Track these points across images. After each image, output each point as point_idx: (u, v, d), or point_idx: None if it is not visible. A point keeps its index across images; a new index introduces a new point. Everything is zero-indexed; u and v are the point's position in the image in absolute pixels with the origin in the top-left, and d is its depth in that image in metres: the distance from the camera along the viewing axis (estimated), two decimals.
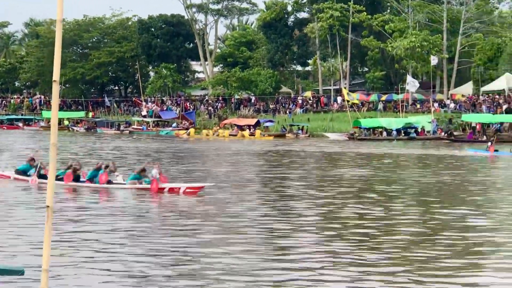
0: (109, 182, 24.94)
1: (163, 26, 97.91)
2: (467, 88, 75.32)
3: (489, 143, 46.96)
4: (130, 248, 14.50)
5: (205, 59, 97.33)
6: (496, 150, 44.72)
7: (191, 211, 20.28)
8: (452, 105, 71.91)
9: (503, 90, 69.32)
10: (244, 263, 13.11)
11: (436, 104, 72.56)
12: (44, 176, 25.11)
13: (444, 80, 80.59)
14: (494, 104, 66.68)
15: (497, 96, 68.48)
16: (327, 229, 17.17)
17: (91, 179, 25.13)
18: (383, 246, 14.93)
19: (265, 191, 25.46)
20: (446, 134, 62.14)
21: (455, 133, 62.58)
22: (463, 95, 73.60)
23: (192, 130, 71.42)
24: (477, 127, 62.28)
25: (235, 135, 68.03)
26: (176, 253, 13.99)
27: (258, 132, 67.36)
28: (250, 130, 68.90)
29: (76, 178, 25.31)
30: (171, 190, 24.01)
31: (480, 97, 69.77)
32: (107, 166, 25.43)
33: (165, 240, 15.35)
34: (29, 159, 26.86)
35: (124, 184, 24.83)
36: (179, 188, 24.00)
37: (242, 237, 15.83)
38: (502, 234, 16.88)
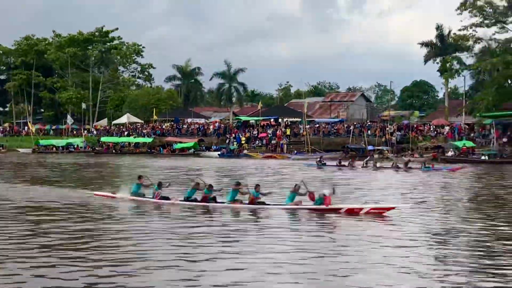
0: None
1: None
2: (105, 121, 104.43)
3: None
4: None
5: None
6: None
7: None
8: (95, 132, 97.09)
9: (126, 122, 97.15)
10: None
11: (85, 131, 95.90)
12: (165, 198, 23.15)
13: (90, 116, 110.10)
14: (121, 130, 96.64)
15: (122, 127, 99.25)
16: None
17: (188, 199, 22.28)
18: None
19: None
20: (92, 149, 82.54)
21: (97, 148, 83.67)
22: (101, 126, 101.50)
23: None
24: (110, 145, 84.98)
25: None
26: None
27: None
28: None
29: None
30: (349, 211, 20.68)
31: (112, 127, 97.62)
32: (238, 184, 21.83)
33: None
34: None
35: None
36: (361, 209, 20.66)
37: None
38: None
